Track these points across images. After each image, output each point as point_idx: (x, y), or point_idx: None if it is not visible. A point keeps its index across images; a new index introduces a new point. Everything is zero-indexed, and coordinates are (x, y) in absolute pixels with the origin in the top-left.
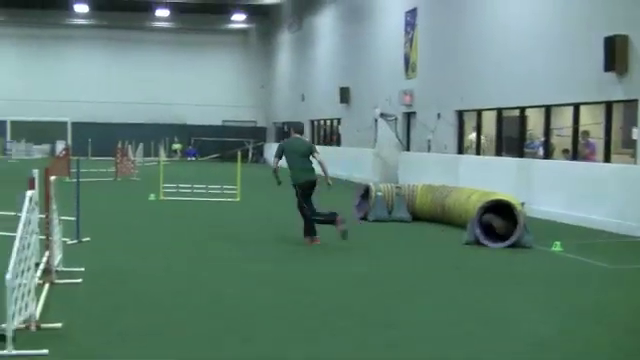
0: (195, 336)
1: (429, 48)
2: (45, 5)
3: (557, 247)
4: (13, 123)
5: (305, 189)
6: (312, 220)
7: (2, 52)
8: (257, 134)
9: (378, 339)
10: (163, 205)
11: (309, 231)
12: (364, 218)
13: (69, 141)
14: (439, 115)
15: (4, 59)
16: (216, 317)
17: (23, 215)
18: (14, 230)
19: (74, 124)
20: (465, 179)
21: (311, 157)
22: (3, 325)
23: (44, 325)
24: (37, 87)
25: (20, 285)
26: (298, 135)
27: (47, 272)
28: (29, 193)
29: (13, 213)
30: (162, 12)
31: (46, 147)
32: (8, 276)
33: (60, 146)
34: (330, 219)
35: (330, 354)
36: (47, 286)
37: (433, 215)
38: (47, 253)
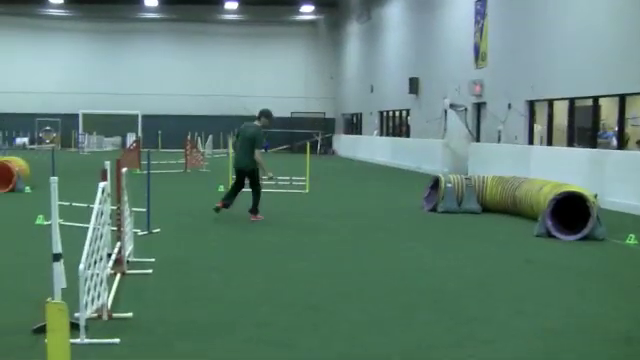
0: (264, 328)
1: (499, 37)
2: (116, 0)
3: (632, 240)
4: (85, 116)
5: (237, 174)
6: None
7: (74, 46)
8: (326, 126)
9: (460, 333)
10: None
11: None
12: (433, 209)
13: (139, 133)
14: (510, 105)
15: (76, 53)
16: (285, 309)
17: (96, 206)
18: (87, 221)
19: (144, 117)
20: (536, 170)
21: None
22: (76, 314)
23: (115, 315)
24: (108, 80)
25: (93, 275)
26: (255, 122)
27: (118, 263)
28: (101, 185)
29: (86, 205)
30: (231, 4)
31: (117, 140)
32: (81, 266)
33: (131, 138)
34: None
35: (411, 346)
36: (118, 276)
37: (503, 207)
38: (118, 244)
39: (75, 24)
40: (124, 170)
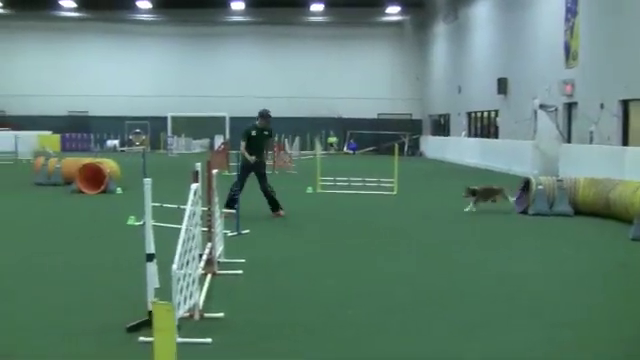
0: (353, 330)
1: (591, 35)
2: (204, 4)
3: None
4: (174, 119)
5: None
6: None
7: (163, 50)
8: (413, 127)
9: (555, 339)
10: (320, 198)
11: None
12: (524, 212)
13: (227, 135)
14: (602, 105)
15: (165, 57)
16: (374, 311)
17: (188, 207)
18: (177, 222)
19: (232, 118)
20: (631, 172)
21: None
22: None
23: (207, 314)
24: (196, 83)
25: (185, 275)
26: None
27: (209, 263)
28: (193, 186)
29: (176, 206)
30: (317, 7)
31: (205, 142)
32: (174, 266)
33: (218, 140)
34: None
35: (504, 353)
36: (209, 277)
37: (596, 209)
38: (209, 245)
39: (164, 28)
40: (214, 172)
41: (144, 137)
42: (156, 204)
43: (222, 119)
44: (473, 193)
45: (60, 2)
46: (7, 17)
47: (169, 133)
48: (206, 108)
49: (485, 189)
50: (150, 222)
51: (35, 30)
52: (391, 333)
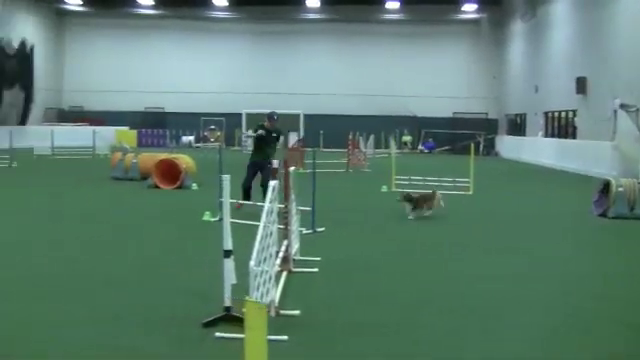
0: (428, 330)
1: None
2: (279, 1)
3: None
4: (248, 115)
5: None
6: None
7: (238, 47)
8: (488, 126)
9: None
10: (395, 196)
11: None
12: (603, 214)
13: (301, 133)
14: None
15: (240, 54)
16: (448, 312)
17: (266, 204)
18: (251, 219)
19: (306, 116)
20: None
21: None
22: (245, 310)
23: (283, 312)
24: (270, 80)
25: (262, 272)
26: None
27: (285, 261)
28: (272, 183)
29: (251, 202)
30: (392, 4)
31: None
32: (252, 263)
33: (293, 138)
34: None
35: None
36: (285, 274)
37: None
38: (285, 242)
39: (239, 26)
40: (291, 169)
41: (219, 133)
42: (232, 200)
43: (296, 116)
44: (409, 199)
45: (137, 0)
46: (86, 14)
47: (244, 130)
48: (280, 105)
49: (422, 196)
50: (228, 218)
51: (113, 27)
52: (468, 335)
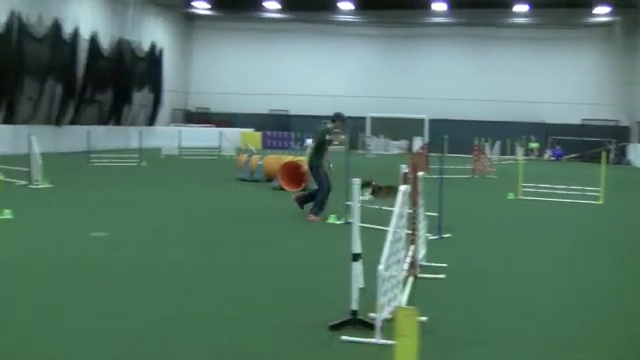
0: (564, 345)
1: None
2: (405, 5)
3: None
4: (373, 119)
5: None
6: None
7: (363, 51)
8: (619, 134)
9: None
10: (522, 204)
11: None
12: None
13: (426, 137)
14: None
15: (365, 58)
16: (586, 328)
17: (397, 209)
18: (374, 223)
19: (431, 121)
20: None
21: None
22: (373, 314)
23: None
24: (396, 84)
25: (390, 277)
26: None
27: (412, 266)
28: (402, 188)
29: (377, 207)
30: (521, 7)
31: (403, 143)
32: (381, 267)
33: (417, 142)
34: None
35: None
36: (411, 279)
37: None
38: (412, 247)
39: (364, 29)
40: (420, 174)
41: (343, 137)
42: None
43: (421, 121)
44: (369, 185)
45: (264, 4)
46: (213, 18)
47: (367, 134)
48: (405, 109)
49: (387, 187)
50: (357, 222)
51: (240, 31)
52: (601, 349)
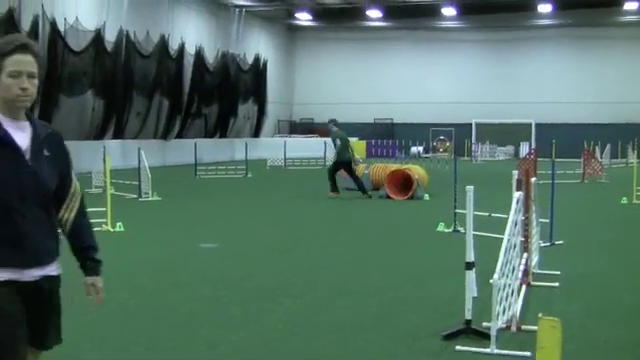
0: None
1: None
2: (509, 9)
3: None
4: (478, 125)
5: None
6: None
7: (467, 57)
8: None
9: None
10: (636, 209)
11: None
12: None
13: (533, 143)
14: None
15: (469, 63)
16: None
17: (511, 216)
18: (484, 230)
19: (538, 125)
20: None
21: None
22: (485, 324)
23: (524, 327)
24: (501, 89)
25: (505, 285)
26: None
27: (525, 274)
28: (516, 195)
29: (487, 214)
30: (631, 5)
31: (510, 149)
32: (495, 276)
33: (524, 148)
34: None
35: None
36: (524, 288)
37: None
38: (525, 255)
39: (468, 35)
40: (533, 180)
41: (448, 144)
42: (478, 213)
43: (528, 126)
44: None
45: (367, 12)
46: (316, 29)
47: (473, 140)
48: (510, 114)
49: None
50: (471, 231)
51: (342, 41)
52: None
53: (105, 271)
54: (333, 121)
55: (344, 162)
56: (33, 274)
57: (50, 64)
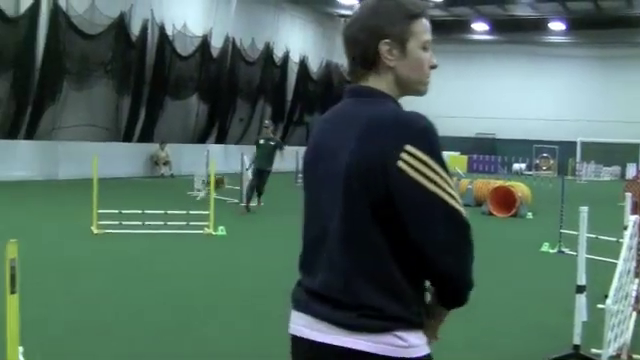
0: None
1: None
2: (618, 24)
3: None
4: (583, 144)
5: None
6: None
7: (575, 73)
8: None
9: None
10: None
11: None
12: None
13: None
14: None
15: (577, 80)
16: None
17: (626, 240)
18: (594, 253)
19: None
20: None
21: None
22: (595, 350)
23: (635, 356)
24: (608, 107)
25: (618, 311)
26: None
27: (637, 300)
28: (633, 218)
29: (594, 235)
30: None
31: (616, 169)
32: (609, 301)
33: (631, 169)
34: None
35: None
36: (634, 315)
37: None
38: (637, 280)
39: (577, 50)
40: None
41: (552, 162)
42: (572, 232)
43: (635, 146)
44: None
45: (472, 25)
46: None
47: (578, 159)
48: (617, 134)
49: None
50: (584, 253)
51: (447, 53)
52: None
53: (207, 272)
54: None
55: None
56: None
57: (157, 68)
